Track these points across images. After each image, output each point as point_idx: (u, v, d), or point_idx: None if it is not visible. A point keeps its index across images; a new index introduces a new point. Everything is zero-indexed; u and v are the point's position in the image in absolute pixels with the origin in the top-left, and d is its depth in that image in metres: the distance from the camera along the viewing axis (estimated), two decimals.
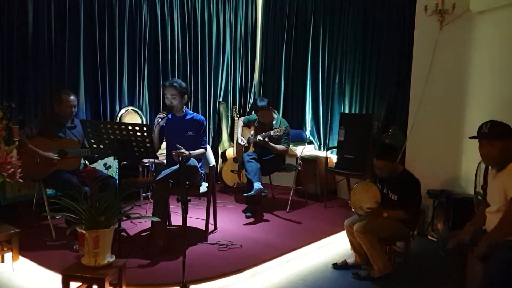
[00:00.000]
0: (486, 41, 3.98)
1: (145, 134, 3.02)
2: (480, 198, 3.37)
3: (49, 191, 3.82)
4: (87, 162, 3.94)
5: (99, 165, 4.27)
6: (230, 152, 5.55)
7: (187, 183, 2.73)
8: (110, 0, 4.73)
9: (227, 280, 3.07)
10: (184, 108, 3.81)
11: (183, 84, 3.76)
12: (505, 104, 3.68)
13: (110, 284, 2.52)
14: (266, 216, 4.50)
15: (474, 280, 2.42)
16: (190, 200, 2.65)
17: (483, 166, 3.33)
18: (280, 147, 4.58)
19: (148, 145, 3.09)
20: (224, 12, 5.96)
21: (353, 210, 3.40)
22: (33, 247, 3.41)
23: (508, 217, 2.41)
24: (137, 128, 3.01)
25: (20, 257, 3.24)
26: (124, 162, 4.61)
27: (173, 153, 3.45)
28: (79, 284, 2.54)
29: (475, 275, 2.45)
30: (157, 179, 3.47)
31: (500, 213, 2.47)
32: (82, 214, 2.47)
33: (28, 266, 3.20)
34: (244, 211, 4.52)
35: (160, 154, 4.25)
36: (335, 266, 3.45)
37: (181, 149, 3.45)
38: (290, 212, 4.68)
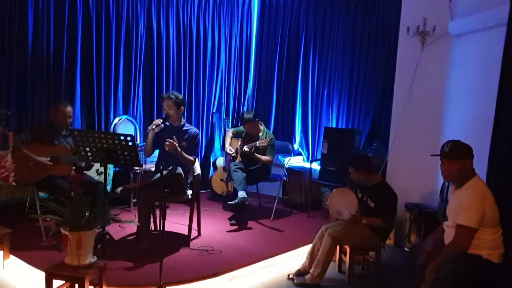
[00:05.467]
0: (463, 62, 4.17)
1: (129, 143, 3.22)
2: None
3: (42, 194, 4.02)
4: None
5: (91, 171, 4.45)
6: (221, 162, 5.73)
7: (167, 190, 2.93)
8: (107, 12, 4.98)
9: (204, 283, 3.24)
10: (183, 119, 4.05)
11: (180, 96, 4.00)
12: (478, 121, 3.84)
13: (91, 284, 2.69)
14: (250, 224, 4.67)
15: None
16: (168, 207, 2.82)
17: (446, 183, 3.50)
18: (265, 158, 4.76)
19: (133, 153, 3.29)
20: (219, 26, 6.18)
21: (331, 213, 3.54)
22: (24, 247, 3.59)
23: (454, 245, 2.58)
24: (121, 137, 3.22)
25: (11, 256, 3.43)
26: (116, 169, 4.87)
27: (166, 142, 3.68)
28: (62, 282, 2.72)
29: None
30: (142, 185, 3.66)
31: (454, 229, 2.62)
32: (67, 217, 2.66)
33: (18, 265, 3.38)
34: (230, 219, 4.68)
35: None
36: (289, 278, 3.47)
37: (176, 142, 3.69)
38: (274, 221, 4.85)
